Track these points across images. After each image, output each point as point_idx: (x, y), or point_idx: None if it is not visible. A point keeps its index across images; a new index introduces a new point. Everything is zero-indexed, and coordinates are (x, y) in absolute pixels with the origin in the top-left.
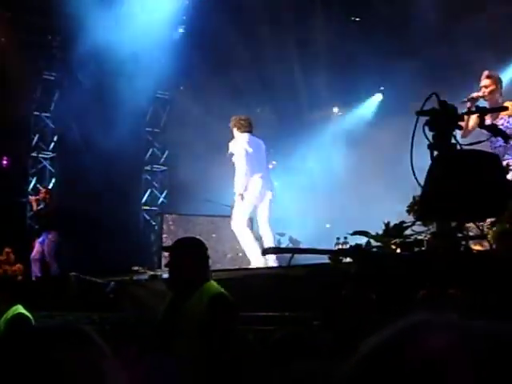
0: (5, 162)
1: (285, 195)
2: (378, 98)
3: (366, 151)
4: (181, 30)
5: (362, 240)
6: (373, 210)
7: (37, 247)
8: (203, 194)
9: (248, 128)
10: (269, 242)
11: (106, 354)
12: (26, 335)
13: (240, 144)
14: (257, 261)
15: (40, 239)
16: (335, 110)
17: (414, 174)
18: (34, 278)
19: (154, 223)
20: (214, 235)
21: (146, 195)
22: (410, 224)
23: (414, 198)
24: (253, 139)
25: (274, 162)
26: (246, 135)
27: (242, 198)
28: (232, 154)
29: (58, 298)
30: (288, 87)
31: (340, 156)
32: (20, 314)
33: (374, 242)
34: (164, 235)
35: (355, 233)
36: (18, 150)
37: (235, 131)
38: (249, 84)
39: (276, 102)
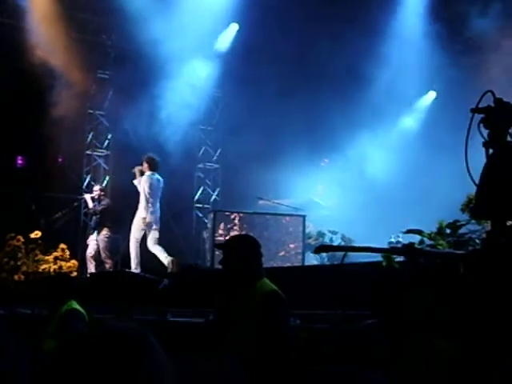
0: (60, 160)
1: (337, 193)
2: (431, 95)
3: (418, 150)
4: (234, 27)
5: (416, 238)
6: (426, 209)
7: (91, 244)
8: (255, 192)
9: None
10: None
11: (162, 356)
12: (85, 338)
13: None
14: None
15: (94, 236)
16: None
17: (469, 173)
18: (88, 275)
19: (206, 221)
20: (265, 233)
21: (199, 193)
22: (464, 223)
23: (468, 196)
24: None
25: (326, 160)
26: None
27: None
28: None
29: (111, 295)
30: (341, 84)
31: (393, 154)
32: (74, 310)
33: (427, 241)
34: (216, 233)
35: (408, 231)
36: (73, 148)
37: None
38: (301, 80)
39: (328, 98)
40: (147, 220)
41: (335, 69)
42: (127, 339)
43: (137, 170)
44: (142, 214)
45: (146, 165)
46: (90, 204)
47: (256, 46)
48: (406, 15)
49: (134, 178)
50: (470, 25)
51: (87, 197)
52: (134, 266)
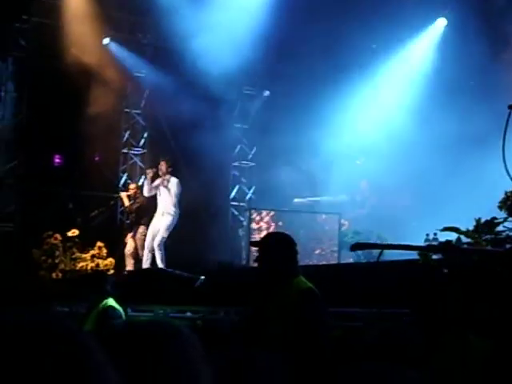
0: (96, 159)
1: (373, 191)
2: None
3: (451, 146)
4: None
5: (452, 236)
6: (463, 206)
7: (129, 242)
8: (290, 190)
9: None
10: None
11: (198, 350)
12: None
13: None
14: None
15: (132, 234)
16: None
17: (507, 169)
18: (125, 272)
19: (242, 218)
20: (301, 231)
21: (234, 191)
22: (501, 220)
23: (506, 193)
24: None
25: (362, 159)
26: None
27: None
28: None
29: (149, 292)
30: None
31: (427, 152)
32: (110, 307)
33: (464, 239)
34: (252, 230)
35: (445, 229)
36: (109, 147)
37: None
38: (334, 74)
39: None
40: (174, 222)
41: (364, 58)
42: (154, 332)
43: (152, 172)
44: (171, 214)
45: (169, 168)
46: (126, 202)
47: (290, 43)
48: None
49: (152, 179)
50: None
51: (123, 195)
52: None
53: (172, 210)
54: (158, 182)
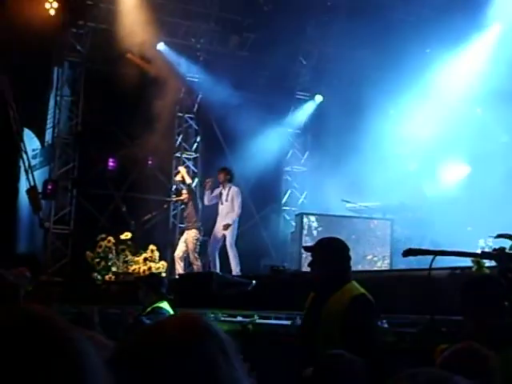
0: (150, 163)
1: (426, 196)
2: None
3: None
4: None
5: (506, 243)
6: None
7: (180, 245)
8: (342, 195)
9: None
10: None
11: (231, 350)
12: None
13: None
14: None
15: (184, 238)
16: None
17: None
18: (177, 276)
19: (293, 223)
20: (353, 236)
21: (287, 196)
22: None
23: None
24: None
25: (414, 164)
26: None
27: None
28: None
29: (200, 296)
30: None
31: (480, 158)
32: (156, 308)
33: None
34: (304, 235)
35: (499, 236)
36: (162, 151)
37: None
38: (389, 86)
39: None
40: (236, 229)
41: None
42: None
43: (211, 181)
44: (233, 221)
45: (228, 176)
46: (188, 179)
47: (342, 47)
48: None
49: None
50: None
51: (183, 171)
52: (236, 269)
53: (234, 217)
54: (218, 190)
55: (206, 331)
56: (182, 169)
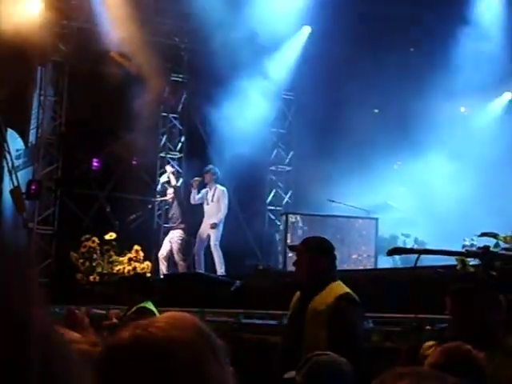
0: (134, 162)
1: (410, 196)
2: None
3: (497, 150)
4: (306, 30)
5: (491, 242)
6: (502, 211)
7: (164, 245)
8: (327, 195)
9: None
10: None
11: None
12: None
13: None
14: None
15: (168, 237)
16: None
17: None
18: (162, 276)
19: (278, 223)
20: (338, 236)
21: (271, 195)
22: None
23: None
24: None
25: (399, 163)
26: None
27: None
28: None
29: (185, 296)
30: (411, 87)
31: (466, 155)
32: (140, 308)
33: (502, 244)
34: (289, 235)
35: (483, 234)
36: (147, 151)
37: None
38: (373, 84)
39: (398, 103)
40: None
41: (413, 71)
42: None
43: (198, 181)
44: (219, 221)
45: (213, 176)
46: (173, 181)
47: (328, 48)
48: None
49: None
50: None
51: (169, 170)
52: (221, 269)
53: (220, 217)
54: (204, 190)
55: (197, 330)
56: (169, 169)
